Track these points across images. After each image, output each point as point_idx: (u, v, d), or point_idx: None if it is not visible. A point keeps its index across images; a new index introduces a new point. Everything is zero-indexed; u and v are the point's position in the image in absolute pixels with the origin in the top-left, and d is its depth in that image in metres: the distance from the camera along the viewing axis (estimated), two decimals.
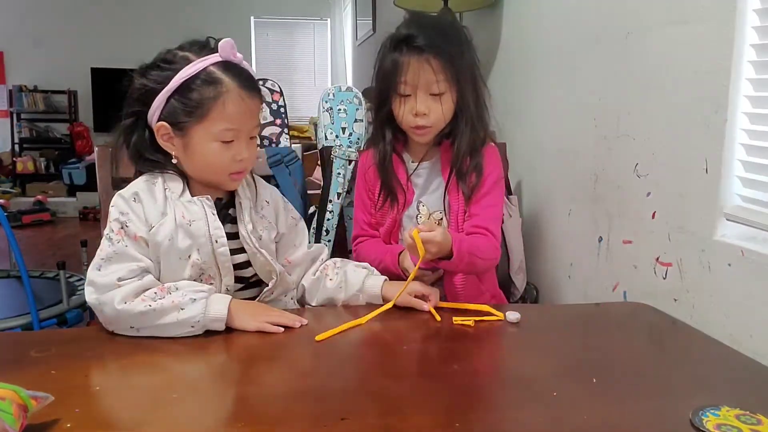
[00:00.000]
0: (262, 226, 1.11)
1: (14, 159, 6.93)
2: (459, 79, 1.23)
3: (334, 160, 1.56)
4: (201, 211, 1.03)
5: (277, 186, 1.56)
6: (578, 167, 1.51)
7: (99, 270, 0.97)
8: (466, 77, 1.25)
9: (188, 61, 0.99)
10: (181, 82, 0.98)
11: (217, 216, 1.05)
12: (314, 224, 1.59)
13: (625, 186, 1.33)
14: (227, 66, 1.00)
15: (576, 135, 1.53)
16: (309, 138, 4.18)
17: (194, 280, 1.03)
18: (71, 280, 2.86)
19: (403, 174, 1.33)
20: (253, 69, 1.07)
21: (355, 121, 1.62)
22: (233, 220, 1.09)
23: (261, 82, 1.63)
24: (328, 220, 1.54)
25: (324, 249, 1.24)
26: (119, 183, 1.21)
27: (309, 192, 1.62)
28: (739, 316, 1.03)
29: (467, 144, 1.27)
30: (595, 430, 0.74)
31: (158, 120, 1.02)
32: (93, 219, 6.00)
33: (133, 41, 7.14)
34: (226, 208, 1.10)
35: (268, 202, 1.15)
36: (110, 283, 0.96)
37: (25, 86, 6.93)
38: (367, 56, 5.43)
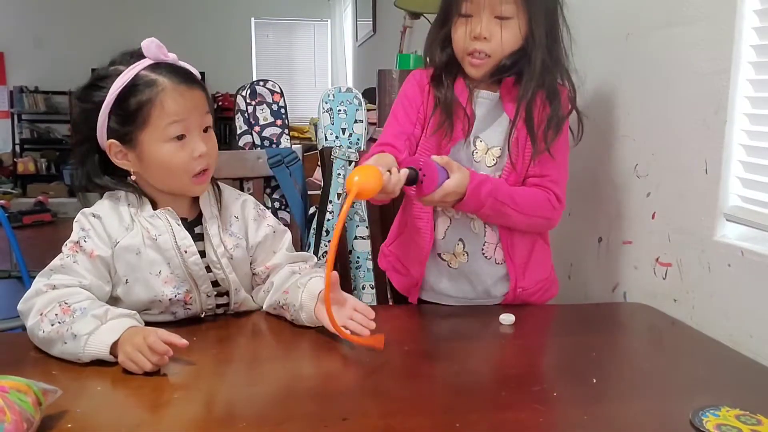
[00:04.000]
0: (232, 244, 1.06)
1: (15, 160, 6.94)
2: (531, 5, 1.07)
3: (334, 161, 1.56)
4: (165, 225, 1.00)
5: (277, 186, 1.56)
6: (578, 167, 1.50)
7: (43, 277, 0.94)
8: (540, 5, 1.09)
9: (119, 73, 0.97)
10: (116, 94, 0.95)
11: (182, 227, 1.01)
12: (314, 225, 1.59)
13: (625, 186, 1.33)
14: (159, 66, 0.97)
15: (583, 132, 1.53)
16: (309, 138, 4.18)
17: (173, 297, 1.00)
18: None
19: (466, 98, 1.14)
20: (194, 70, 1.02)
21: (355, 122, 1.62)
22: (201, 238, 1.04)
23: (261, 83, 1.63)
24: (329, 220, 1.54)
25: (312, 258, 1.14)
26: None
27: (309, 192, 1.62)
28: (738, 316, 1.03)
29: (537, 84, 1.10)
30: (595, 431, 0.74)
31: (107, 139, 0.98)
32: None
33: (133, 42, 7.14)
34: (193, 226, 1.05)
35: (237, 218, 1.08)
36: (39, 289, 0.92)
37: (26, 87, 6.93)
38: (367, 57, 5.43)
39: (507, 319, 1.07)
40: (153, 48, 0.97)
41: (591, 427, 0.74)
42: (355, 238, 1.62)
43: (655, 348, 1.06)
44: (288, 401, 0.79)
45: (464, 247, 1.16)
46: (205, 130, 1.01)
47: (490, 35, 1.08)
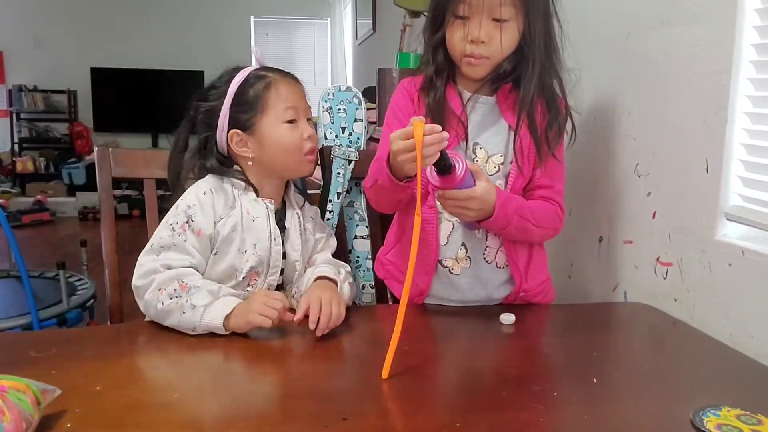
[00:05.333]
0: (304, 244, 1.18)
1: (14, 159, 6.93)
2: (529, 7, 1.06)
3: (334, 160, 1.56)
4: (264, 211, 1.11)
5: None
6: (579, 167, 1.51)
7: (151, 255, 1.02)
8: (538, 7, 1.08)
9: (232, 78, 1.12)
10: (236, 89, 1.10)
11: (275, 221, 1.13)
12: None
13: (626, 186, 1.33)
14: (265, 67, 1.15)
15: (576, 135, 1.53)
16: None
17: (247, 273, 1.09)
18: (71, 280, 2.84)
19: (458, 104, 1.14)
20: None
21: (355, 120, 1.62)
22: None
23: None
24: (328, 219, 1.54)
25: (346, 267, 1.21)
26: (119, 183, 1.21)
27: (309, 192, 1.61)
28: (739, 316, 1.03)
29: (537, 88, 1.10)
30: (595, 431, 0.74)
31: (228, 130, 1.11)
32: (93, 219, 5.99)
33: (132, 41, 7.15)
34: (277, 218, 1.16)
35: (312, 218, 1.23)
36: (156, 268, 1.01)
37: (25, 86, 6.92)
38: (367, 56, 5.43)
39: (507, 318, 1.07)
40: (259, 56, 1.17)
41: (591, 427, 0.74)
42: (355, 237, 1.62)
43: (656, 348, 1.06)
44: (288, 401, 0.78)
45: (466, 252, 1.16)
46: (308, 119, 1.14)
47: (488, 39, 1.07)
